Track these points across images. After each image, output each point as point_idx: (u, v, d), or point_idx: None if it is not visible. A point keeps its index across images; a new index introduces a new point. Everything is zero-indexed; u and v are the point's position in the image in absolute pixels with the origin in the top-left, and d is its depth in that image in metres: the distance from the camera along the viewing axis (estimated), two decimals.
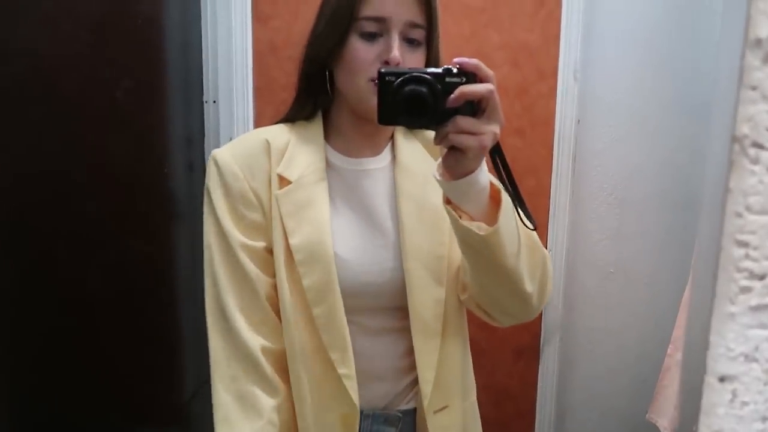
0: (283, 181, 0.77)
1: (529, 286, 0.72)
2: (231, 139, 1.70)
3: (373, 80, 0.72)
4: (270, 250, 0.77)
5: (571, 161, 1.68)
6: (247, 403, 0.72)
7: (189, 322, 1.58)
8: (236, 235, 0.75)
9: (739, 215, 0.43)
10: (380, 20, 0.72)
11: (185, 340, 1.58)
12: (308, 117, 0.82)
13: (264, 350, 0.74)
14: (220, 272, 0.75)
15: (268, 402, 0.72)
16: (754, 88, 0.42)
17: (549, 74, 1.66)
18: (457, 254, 0.80)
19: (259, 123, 1.72)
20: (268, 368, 0.73)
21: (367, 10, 0.71)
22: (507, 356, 1.80)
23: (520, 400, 1.81)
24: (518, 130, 1.70)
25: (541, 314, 1.77)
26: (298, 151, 0.78)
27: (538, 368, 1.79)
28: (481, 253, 0.68)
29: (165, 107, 1.56)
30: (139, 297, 1.41)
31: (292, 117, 0.83)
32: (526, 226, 0.71)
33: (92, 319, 1.29)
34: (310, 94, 0.82)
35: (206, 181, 0.78)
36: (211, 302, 0.76)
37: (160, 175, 1.54)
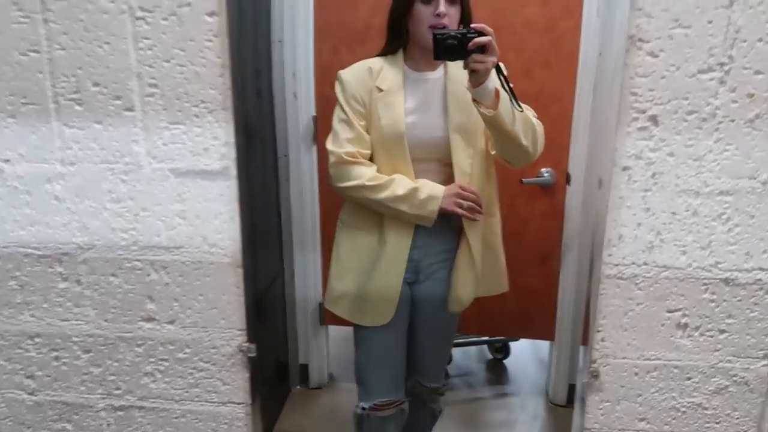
0: (379, 90, 1.43)
1: (524, 141, 1.35)
2: (293, 74, 2.23)
3: (430, 27, 1.36)
4: (366, 129, 1.44)
5: (591, 90, 2.13)
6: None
7: (264, 223, 2.13)
8: (350, 113, 1.43)
9: (631, 78, 0.94)
10: None
11: (260, 242, 2.14)
12: (394, 51, 1.48)
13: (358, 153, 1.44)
14: (338, 129, 1.44)
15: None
16: (639, 9, 0.91)
17: (574, 11, 2.11)
18: (482, 129, 1.44)
19: (318, 59, 2.23)
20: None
21: None
22: (533, 262, 2.32)
23: (543, 299, 2.33)
24: (546, 62, 2.16)
25: (562, 226, 2.27)
26: (387, 72, 1.45)
27: (559, 272, 2.30)
28: (493, 126, 1.31)
29: (241, 46, 2.07)
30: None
31: (385, 52, 1.50)
32: (516, 109, 1.31)
33: None
34: (394, 38, 1.48)
35: (336, 88, 1.48)
36: (330, 142, 1.46)
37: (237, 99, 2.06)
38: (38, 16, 0.99)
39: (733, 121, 0.94)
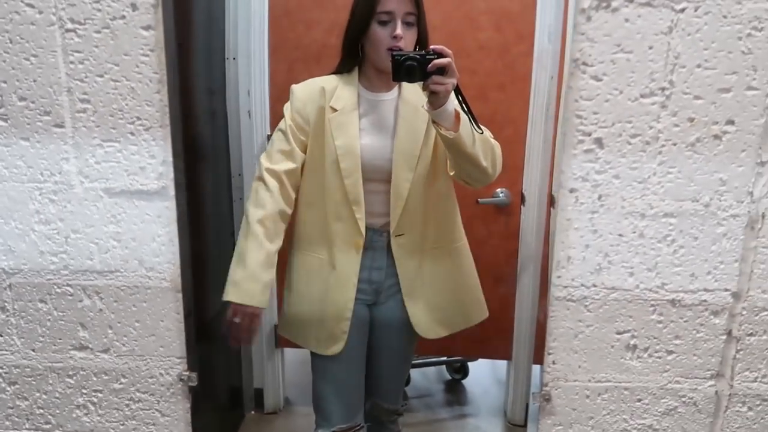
0: (333, 110, 1.40)
1: (484, 162, 1.32)
2: (248, 92, 2.19)
3: (387, 50, 1.33)
4: (304, 145, 1.41)
5: (544, 113, 2.16)
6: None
7: (215, 245, 2.07)
8: (292, 126, 1.40)
9: (576, 100, 0.93)
10: (389, 13, 1.33)
11: (210, 264, 2.07)
12: (349, 71, 1.45)
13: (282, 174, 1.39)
14: (275, 138, 1.40)
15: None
16: (582, 34, 0.91)
17: (527, 36, 2.14)
18: (429, 151, 1.42)
19: (273, 78, 2.19)
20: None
21: (381, 8, 1.32)
22: (489, 283, 2.31)
23: (500, 319, 2.32)
24: (500, 85, 2.18)
25: (517, 248, 2.28)
26: (342, 92, 1.41)
27: (515, 293, 2.30)
28: (453, 147, 1.27)
29: (191, 63, 2.02)
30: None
31: (339, 71, 1.46)
32: (475, 130, 1.29)
33: None
34: (349, 57, 1.44)
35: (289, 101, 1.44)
36: (265, 154, 1.42)
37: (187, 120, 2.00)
38: None
39: (675, 144, 0.94)
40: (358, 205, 1.39)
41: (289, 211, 1.40)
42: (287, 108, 1.43)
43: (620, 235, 0.98)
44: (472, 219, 2.31)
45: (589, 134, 0.95)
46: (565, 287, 1.00)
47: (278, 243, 1.36)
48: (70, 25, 0.94)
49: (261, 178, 1.37)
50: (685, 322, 1.01)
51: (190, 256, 1.08)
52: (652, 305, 1.01)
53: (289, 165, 1.38)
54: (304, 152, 1.41)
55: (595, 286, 1.00)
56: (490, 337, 2.38)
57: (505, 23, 2.14)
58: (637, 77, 0.92)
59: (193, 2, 1.94)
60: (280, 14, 2.15)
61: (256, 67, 2.17)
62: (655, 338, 1.02)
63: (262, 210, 1.34)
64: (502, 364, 2.56)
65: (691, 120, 0.93)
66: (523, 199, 2.23)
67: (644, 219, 0.97)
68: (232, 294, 1.29)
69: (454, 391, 2.66)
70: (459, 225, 1.55)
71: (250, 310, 1.30)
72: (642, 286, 1.00)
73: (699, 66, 0.91)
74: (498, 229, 2.30)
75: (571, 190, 0.97)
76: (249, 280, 1.30)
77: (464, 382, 2.69)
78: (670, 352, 1.03)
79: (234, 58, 2.17)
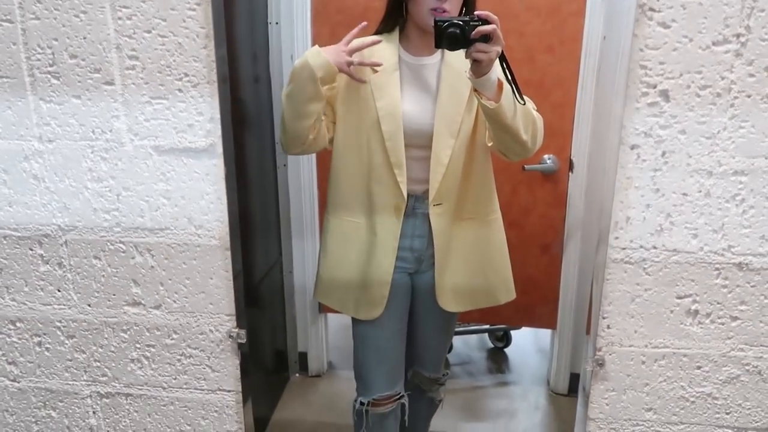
0: (373, 70, 1.33)
1: (524, 136, 1.26)
2: (291, 57, 2.16)
3: (431, 10, 1.26)
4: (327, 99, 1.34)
5: (595, 75, 2.06)
6: None
7: (261, 209, 2.07)
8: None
9: (641, 50, 0.87)
10: None
11: (257, 228, 2.08)
12: (390, 31, 1.38)
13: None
14: None
15: None
16: None
17: None
18: (471, 118, 1.36)
19: (316, 42, 2.15)
20: None
21: None
22: (534, 251, 2.26)
23: (545, 287, 2.27)
24: (548, 47, 2.09)
25: (564, 214, 2.21)
26: (382, 52, 1.34)
27: (561, 261, 2.24)
28: (493, 118, 1.22)
29: (235, 28, 2.00)
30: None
31: (380, 31, 1.40)
32: (518, 101, 1.22)
33: None
34: (392, 17, 1.38)
35: None
36: None
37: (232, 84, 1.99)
38: None
39: (749, 96, 0.87)
40: (399, 168, 1.35)
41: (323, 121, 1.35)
42: None
43: (684, 194, 0.92)
44: (517, 186, 2.25)
45: (654, 86, 0.88)
46: (623, 249, 0.94)
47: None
48: None
49: None
50: (752, 287, 0.95)
51: (238, 215, 1.07)
52: (717, 269, 0.95)
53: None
54: (329, 114, 1.37)
55: (655, 248, 0.94)
56: (535, 306, 2.34)
57: None
58: (710, 23, 0.85)
59: None
60: None
61: (299, 32, 2.13)
62: (718, 303, 0.96)
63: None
64: (546, 332, 2.52)
65: None
66: (571, 166, 2.15)
67: (711, 177, 0.91)
68: (310, 62, 1.24)
69: (497, 359, 2.63)
70: (495, 197, 1.49)
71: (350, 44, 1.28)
72: (706, 249, 0.94)
73: None
74: (544, 197, 2.23)
75: (633, 147, 0.91)
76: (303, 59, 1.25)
77: (506, 350, 2.67)
78: (735, 318, 0.97)
79: (277, 23, 2.14)
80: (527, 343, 2.72)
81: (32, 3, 0.93)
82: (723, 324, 0.97)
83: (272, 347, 2.30)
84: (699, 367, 1.00)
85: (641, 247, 0.94)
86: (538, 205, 2.24)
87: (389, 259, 1.40)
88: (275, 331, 2.34)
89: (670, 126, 0.90)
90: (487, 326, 2.60)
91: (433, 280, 1.44)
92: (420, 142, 1.36)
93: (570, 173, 2.16)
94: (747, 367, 0.99)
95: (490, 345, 2.69)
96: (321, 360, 2.47)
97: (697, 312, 0.97)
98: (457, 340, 2.70)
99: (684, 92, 0.88)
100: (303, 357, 2.44)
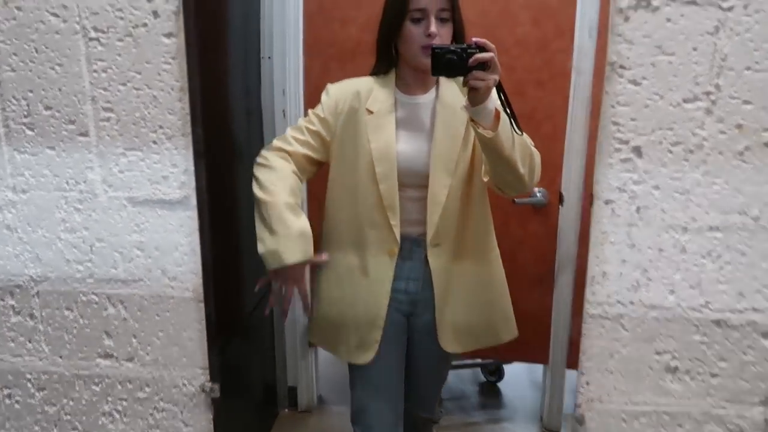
0: (369, 112, 1.35)
1: (522, 169, 1.23)
2: (283, 91, 2.17)
3: (421, 47, 1.28)
4: (321, 141, 1.38)
5: (585, 108, 2.07)
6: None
7: (250, 249, 2.07)
8: (316, 122, 1.38)
9: (612, 106, 0.87)
10: (422, 10, 1.27)
11: (246, 266, 2.07)
12: (385, 72, 1.39)
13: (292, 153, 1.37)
14: (299, 123, 1.40)
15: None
16: (619, 35, 0.85)
17: (566, 31, 2.05)
18: (467, 155, 1.34)
19: (308, 77, 2.17)
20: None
21: (413, 5, 1.27)
22: (525, 284, 2.24)
23: (537, 321, 2.25)
24: (538, 81, 2.10)
25: (555, 248, 2.20)
26: (378, 94, 1.36)
27: (552, 295, 2.22)
28: (491, 148, 1.20)
29: (227, 62, 2.02)
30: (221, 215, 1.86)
31: (375, 72, 1.41)
32: (516, 132, 1.19)
33: None
34: (383, 60, 1.39)
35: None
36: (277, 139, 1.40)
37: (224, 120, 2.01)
38: None
39: (721, 153, 0.87)
40: (393, 211, 1.34)
41: (302, 178, 1.37)
42: (319, 105, 1.40)
43: (660, 249, 0.91)
44: (508, 219, 2.24)
45: (627, 142, 0.88)
46: (600, 304, 0.93)
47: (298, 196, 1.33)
48: (93, 34, 0.93)
49: (269, 148, 1.36)
50: (731, 343, 0.94)
51: (221, 260, 1.06)
52: (695, 325, 0.93)
53: (301, 150, 1.35)
54: (320, 149, 1.38)
55: (632, 303, 0.93)
56: (527, 340, 2.30)
57: (543, 18, 2.05)
58: (680, 81, 0.85)
59: (227, 3, 1.93)
60: (314, 12, 2.13)
61: (292, 66, 2.15)
62: (698, 360, 0.95)
63: (272, 173, 1.32)
64: (539, 366, 2.49)
65: (739, 127, 0.85)
66: (561, 200, 2.14)
67: (687, 233, 0.90)
68: (272, 263, 1.25)
69: (489, 393, 2.60)
70: (493, 234, 1.48)
71: (290, 271, 1.27)
72: (684, 305, 0.93)
73: (749, 68, 0.83)
74: (535, 230, 2.22)
75: (607, 202, 0.90)
76: (283, 238, 1.24)
77: (499, 384, 2.63)
78: (715, 376, 0.95)
79: (269, 57, 2.16)
80: (521, 377, 2.69)
81: (8, 55, 0.94)
82: (703, 381, 0.96)
83: (261, 381, 2.27)
84: (680, 425, 0.98)
85: (618, 302, 0.93)
86: (529, 238, 2.23)
87: (382, 300, 1.38)
88: (264, 364, 2.31)
89: (644, 182, 0.89)
90: (480, 360, 2.57)
91: (431, 322, 1.42)
92: (416, 182, 1.35)
93: (560, 206, 2.16)
94: (729, 426, 0.97)
95: (483, 379, 2.66)
96: (311, 394, 2.44)
97: (676, 368, 0.96)
98: (449, 374, 2.66)
99: (656, 148, 0.88)
100: (292, 391, 2.41)
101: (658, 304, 0.93)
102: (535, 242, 2.23)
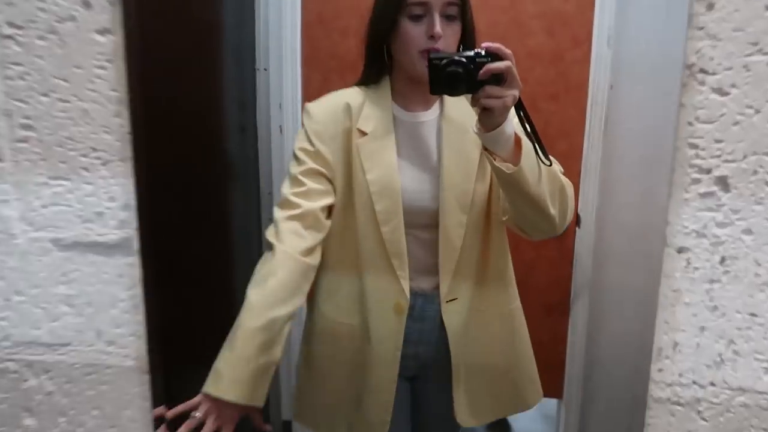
0: (362, 133, 1.01)
1: (552, 209, 0.92)
2: (280, 105, 1.92)
3: (421, 52, 0.95)
4: (325, 178, 1.03)
5: (603, 125, 1.81)
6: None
7: (243, 269, 1.81)
8: (307, 161, 1.03)
9: (690, 124, 0.60)
10: (423, 4, 0.95)
11: (237, 291, 1.81)
12: (376, 81, 1.06)
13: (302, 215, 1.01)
14: (287, 183, 1.04)
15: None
16: (700, 28, 0.59)
17: (583, 41, 1.80)
18: (485, 186, 1.03)
19: (306, 89, 1.92)
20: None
21: None
22: (538, 312, 1.97)
23: (550, 352, 1.98)
24: (552, 95, 1.84)
25: (570, 272, 1.93)
26: (371, 110, 1.02)
27: (568, 324, 1.95)
28: (511, 185, 0.89)
29: (219, 74, 1.77)
30: (196, 247, 1.62)
31: (364, 82, 1.08)
32: (543, 163, 0.90)
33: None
34: (373, 67, 1.06)
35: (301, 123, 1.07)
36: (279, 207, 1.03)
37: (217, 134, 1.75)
38: None
39: None
40: (399, 258, 1.02)
41: (313, 263, 1.00)
42: (300, 134, 1.05)
43: (752, 314, 0.64)
44: (519, 241, 1.96)
45: (709, 171, 0.62)
46: (670, 385, 0.66)
47: (292, 305, 0.96)
48: (7, 30, 0.68)
49: (278, 220, 1.00)
50: None
51: (178, 317, 0.80)
52: None
53: (310, 204, 1.00)
54: (331, 189, 1.03)
55: (713, 385, 0.66)
56: (539, 372, 2.04)
57: (558, 27, 1.80)
58: None
59: (219, 9, 1.69)
60: (313, 21, 1.88)
61: (289, 78, 1.90)
62: None
63: (272, 264, 0.96)
64: (552, 400, 2.21)
65: None
66: (578, 221, 1.88)
67: None
68: (210, 384, 0.91)
69: (499, 427, 2.32)
70: (514, 281, 1.17)
71: (226, 410, 0.89)
72: None
73: None
74: (549, 254, 1.96)
75: (681, 250, 0.64)
76: (234, 365, 0.90)
77: (509, 419, 2.35)
78: None
79: (265, 69, 1.92)
80: (532, 410, 2.41)
81: None
82: None
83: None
84: None
85: (694, 383, 0.66)
86: (542, 262, 1.96)
87: (391, 373, 1.06)
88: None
89: (732, 224, 0.63)
90: None
91: (445, 392, 1.11)
92: (423, 222, 1.04)
93: (577, 228, 1.90)
94: None
95: None
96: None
97: None
98: None
99: (749, 179, 0.62)
100: (287, 426, 2.15)
101: (748, 387, 0.66)
102: (549, 266, 1.96)
